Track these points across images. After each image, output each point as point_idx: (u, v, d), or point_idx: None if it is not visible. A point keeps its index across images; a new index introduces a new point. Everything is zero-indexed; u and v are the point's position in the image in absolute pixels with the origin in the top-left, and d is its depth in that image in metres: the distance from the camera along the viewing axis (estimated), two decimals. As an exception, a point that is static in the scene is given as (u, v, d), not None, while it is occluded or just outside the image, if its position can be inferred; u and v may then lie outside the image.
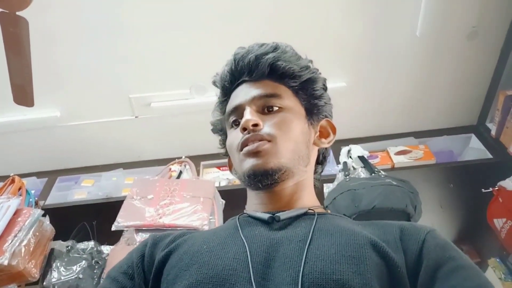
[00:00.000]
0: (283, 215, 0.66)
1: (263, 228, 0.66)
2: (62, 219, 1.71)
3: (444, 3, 1.77)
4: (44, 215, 1.57)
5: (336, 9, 1.79)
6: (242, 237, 0.64)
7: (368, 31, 1.86)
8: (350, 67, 1.96)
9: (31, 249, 1.45)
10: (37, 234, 1.50)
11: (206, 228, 1.46)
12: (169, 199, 1.56)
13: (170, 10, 1.72)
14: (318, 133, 0.77)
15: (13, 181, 1.70)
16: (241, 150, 0.69)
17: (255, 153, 0.66)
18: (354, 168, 1.65)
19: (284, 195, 0.70)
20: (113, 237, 1.62)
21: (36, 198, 1.79)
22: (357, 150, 1.72)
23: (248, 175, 0.67)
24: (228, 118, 0.75)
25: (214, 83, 0.81)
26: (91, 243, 1.66)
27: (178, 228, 1.46)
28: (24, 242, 1.42)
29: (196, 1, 1.72)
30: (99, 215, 1.84)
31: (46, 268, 1.57)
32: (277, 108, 0.71)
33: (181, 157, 1.91)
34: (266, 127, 0.68)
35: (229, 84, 0.77)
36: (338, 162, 1.76)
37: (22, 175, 1.79)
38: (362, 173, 1.60)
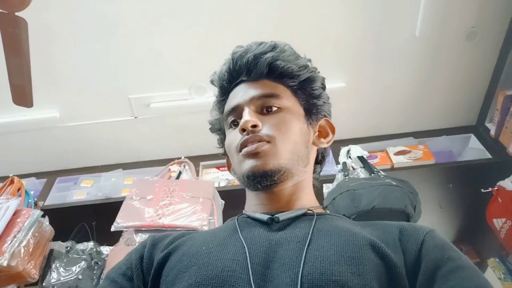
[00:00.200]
0: (282, 216, 0.66)
1: (262, 229, 0.66)
2: (62, 219, 1.70)
3: (443, 3, 1.77)
4: (43, 216, 1.57)
5: (336, 9, 1.79)
6: (241, 238, 0.64)
7: (367, 31, 1.86)
8: (349, 67, 1.96)
9: (31, 250, 1.45)
10: (37, 234, 1.50)
11: (205, 228, 1.45)
12: (169, 199, 1.56)
13: (169, 11, 1.73)
14: (317, 133, 0.77)
15: (12, 181, 1.69)
16: (240, 151, 0.68)
17: (254, 154, 0.66)
18: (353, 168, 1.65)
19: (283, 196, 0.70)
20: (113, 238, 1.62)
21: (36, 199, 1.78)
22: (357, 150, 1.72)
23: (247, 176, 0.67)
24: (226, 118, 0.75)
25: (212, 82, 0.81)
26: (91, 244, 1.66)
27: (178, 229, 1.46)
28: (24, 243, 1.42)
29: (196, 1, 1.72)
30: (98, 215, 1.84)
31: (45, 269, 1.56)
32: (276, 108, 0.71)
33: (180, 158, 1.91)
34: (265, 128, 0.68)
35: (227, 83, 0.77)
36: (337, 162, 1.76)
37: (21, 176, 1.79)
38: (362, 173, 1.59)
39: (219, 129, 0.82)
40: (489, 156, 1.98)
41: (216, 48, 1.77)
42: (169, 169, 1.84)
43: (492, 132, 1.95)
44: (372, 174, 1.54)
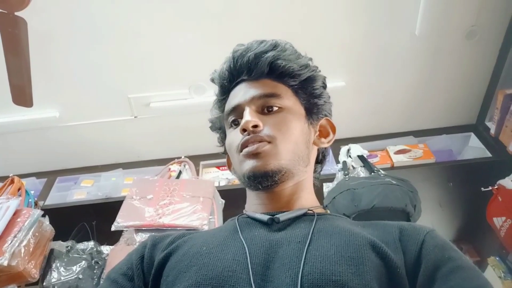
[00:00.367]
0: (282, 217, 0.66)
1: (262, 229, 0.66)
2: (62, 219, 1.70)
3: (443, 2, 1.77)
4: (43, 216, 1.57)
5: (335, 8, 1.79)
6: (242, 238, 0.64)
7: (367, 30, 1.86)
8: (349, 67, 1.96)
9: (31, 249, 1.45)
10: (37, 234, 1.50)
11: (205, 228, 1.46)
12: (169, 199, 1.56)
13: (168, 10, 1.72)
14: (317, 133, 0.77)
15: (12, 181, 1.69)
16: (241, 151, 0.68)
17: (255, 155, 0.66)
18: (353, 168, 1.65)
19: (283, 196, 0.70)
20: (113, 237, 1.62)
21: (36, 199, 1.79)
22: (357, 149, 1.72)
23: (248, 176, 0.67)
24: (227, 117, 0.75)
25: (212, 80, 0.81)
26: (91, 243, 1.66)
27: (178, 228, 1.46)
28: (24, 243, 1.42)
29: (195, 1, 1.72)
30: (98, 215, 1.84)
31: (46, 269, 1.56)
32: (276, 108, 0.71)
33: (180, 157, 1.91)
34: (266, 128, 0.68)
35: (227, 82, 0.76)
36: (337, 162, 1.76)
37: (22, 176, 1.79)
38: (362, 172, 1.60)
39: (219, 128, 0.82)
40: (489, 155, 1.98)
41: (215, 47, 1.77)
42: (169, 169, 1.84)
43: (492, 131, 1.95)
44: (372, 173, 1.54)
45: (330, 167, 1.93)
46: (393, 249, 0.60)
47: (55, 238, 1.63)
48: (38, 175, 2.16)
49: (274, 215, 0.67)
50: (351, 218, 1.35)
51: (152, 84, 1.96)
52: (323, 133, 0.78)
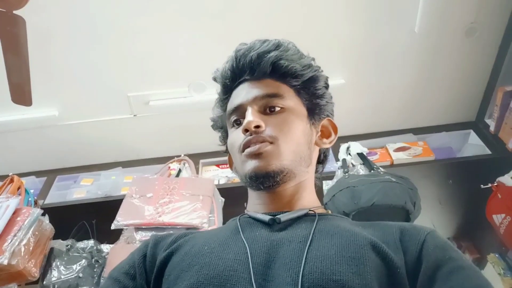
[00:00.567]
0: (283, 217, 0.66)
1: (263, 229, 0.66)
2: (62, 218, 1.71)
3: (442, -1, 1.77)
4: (43, 214, 1.57)
5: (335, 5, 1.78)
6: (243, 238, 0.64)
7: (366, 27, 1.86)
8: (348, 64, 1.96)
9: (31, 248, 1.45)
10: (37, 233, 1.50)
11: (205, 226, 1.46)
12: (169, 197, 1.56)
13: (168, 9, 1.72)
14: (319, 133, 0.77)
15: (12, 180, 1.69)
16: (243, 151, 0.68)
17: (257, 155, 0.66)
18: (353, 165, 1.66)
19: (285, 196, 0.70)
20: (113, 236, 1.62)
21: (35, 198, 1.79)
22: (356, 147, 1.72)
23: (249, 176, 0.67)
24: (229, 117, 0.75)
25: (214, 79, 0.80)
26: (91, 242, 1.66)
27: (178, 226, 1.46)
28: (24, 242, 1.42)
29: (194, -2, 1.72)
30: (98, 214, 1.84)
31: (46, 267, 1.57)
32: (279, 108, 0.71)
33: (180, 156, 1.91)
34: (268, 129, 0.68)
35: (230, 82, 0.76)
36: (337, 159, 1.76)
37: (21, 175, 1.79)
38: (361, 170, 1.60)
39: (221, 127, 0.82)
40: (489, 152, 1.98)
41: (215, 45, 1.78)
42: (169, 167, 1.84)
43: (492, 128, 1.95)
44: (372, 171, 1.55)
45: (329, 165, 1.93)
46: (394, 249, 0.60)
47: (55, 237, 1.63)
48: (37, 174, 2.15)
49: (275, 215, 0.67)
50: (350, 215, 1.36)
51: (152, 82, 1.96)
52: (325, 134, 0.78)
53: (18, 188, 1.67)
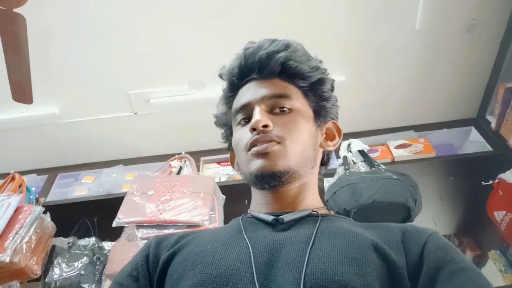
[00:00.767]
0: (286, 218, 0.67)
1: (266, 229, 0.67)
2: (63, 216, 1.71)
3: (443, -5, 1.76)
4: (45, 212, 1.58)
5: (336, 1, 1.78)
6: (246, 238, 0.65)
7: (367, 24, 1.85)
8: (349, 61, 1.96)
9: (33, 246, 1.46)
10: (38, 231, 1.50)
11: (206, 223, 1.46)
12: (170, 195, 1.56)
13: (169, 6, 1.72)
14: (324, 135, 0.77)
15: (13, 178, 1.70)
16: (249, 149, 0.68)
17: (263, 154, 0.66)
18: (354, 162, 1.65)
19: (288, 196, 0.71)
20: (114, 234, 1.63)
21: (37, 195, 1.79)
22: (357, 144, 1.72)
23: (255, 175, 0.67)
24: (235, 115, 0.75)
25: (220, 75, 0.80)
26: (92, 240, 1.67)
27: (179, 224, 1.47)
28: (26, 239, 1.43)
29: (194, -4, 1.71)
30: (99, 211, 1.84)
31: (47, 265, 1.57)
32: (286, 109, 0.71)
33: (181, 153, 1.91)
34: (276, 129, 0.68)
35: (237, 79, 0.76)
36: (338, 157, 1.76)
37: (22, 173, 1.80)
38: (362, 167, 1.60)
39: (225, 124, 0.82)
40: (490, 148, 1.98)
41: (215, 43, 1.78)
42: (170, 165, 1.84)
43: (493, 125, 1.94)
44: (373, 168, 1.55)
45: (330, 162, 1.93)
46: (395, 250, 0.60)
47: (56, 235, 1.64)
48: (39, 172, 2.16)
49: (278, 215, 0.67)
50: (351, 212, 1.36)
51: (152, 80, 1.96)
52: (329, 136, 0.79)
53: (20, 186, 1.67)
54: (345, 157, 1.68)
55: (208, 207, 1.52)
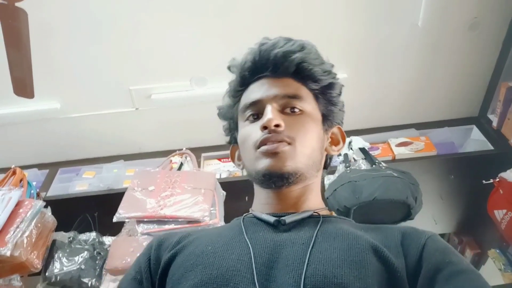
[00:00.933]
0: (288, 219, 0.67)
1: (267, 230, 0.67)
2: (64, 210, 1.72)
3: (446, -7, 1.75)
4: (45, 207, 1.58)
5: (337, -1, 1.77)
6: (246, 239, 0.65)
7: (369, 21, 1.84)
8: (351, 58, 1.95)
9: (33, 240, 1.46)
10: (39, 225, 1.51)
11: (207, 219, 1.46)
12: (170, 190, 1.57)
13: (170, 3, 1.71)
14: (330, 140, 0.78)
15: (14, 172, 1.70)
16: (259, 147, 0.68)
17: (273, 154, 0.66)
18: (355, 160, 1.65)
19: (292, 197, 0.71)
20: (115, 229, 1.63)
21: (38, 190, 1.79)
22: (358, 141, 1.72)
23: (263, 174, 0.67)
24: (244, 110, 0.74)
25: (230, 68, 0.79)
26: (93, 234, 1.67)
27: (180, 220, 1.47)
28: (26, 233, 1.43)
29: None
30: (100, 206, 1.85)
31: (48, 259, 1.58)
32: (297, 110, 0.71)
33: (182, 149, 1.91)
34: (287, 129, 0.68)
35: (249, 74, 0.75)
36: (339, 154, 1.76)
37: (23, 167, 1.80)
38: (363, 164, 1.60)
39: (230, 118, 0.81)
40: (491, 147, 1.98)
41: (216, 40, 1.78)
42: (171, 161, 1.84)
43: (494, 124, 1.94)
44: (374, 166, 1.55)
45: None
46: (395, 253, 0.61)
47: (57, 229, 1.64)
48: (40, 166, 2.16)
49: (280, 216, 0.68)
50: (352, 210, 1.36)
51: (153, 76, 1.96)
52: (334, 141, 0.80)
53: (21, 181, 1.68)
54: (346, 155, 1.68)
55: (208, 203, 1.52)
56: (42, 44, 1.67)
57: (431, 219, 2.11)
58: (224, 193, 1.68)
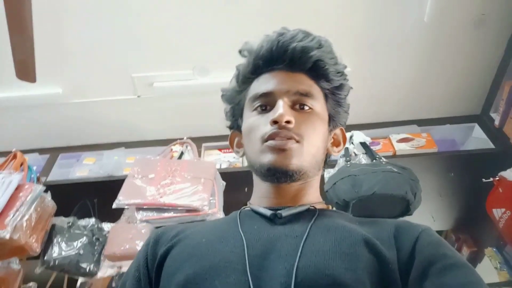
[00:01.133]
0: (284, 212, 0.67)
1: (263, 223, 0.67)
2: (64, 195, 1.72)
3: (453, -11, 1.74)
4: (45, 191, 1.59)
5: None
6: (241, 231, 0.66)
7: (375, 16, 1.83)
8: (355, 52, 1.94)
9: (33, 224, 1.47)
10: (39, 209, 1.52)
11: (206, 208, 1.47)
12: (170, 179, 1.57)
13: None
14: (332, 140, 0.78)
15: (15, 156, 1.71)
16: (266, 141, 0.68)
17: (281, 150, 0.66)
18: (355, 154, 1.65)
19: (291, 192, 0.71)
20: (114, 215, 1.64)
21: (38, 174, 1.80)
22: (359, 136, 1.72)
23: (267, 168, 0.67)
24: (253, 100, 0.73)
25: (241, 51, 0.77)
26: (92, 220, 1.68)
27: (179, 208, 1.48)
28: (26, 217, 1.44)
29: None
30: (100, 193, 1.85)
31: (47, 243, 1.59)
32: (308, 108, 0.71)
33: (182, 138, 1.91)
34: (296, 126, 0.68)
35: (263, 63, 0.74)
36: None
37: (24, 151, 1.80)
38: (364, 159, 1.60)
39: (236, 103, 0.80)
40: (492, 146, 1.97)
41: (220, 28, 1.77)
42: (171, 149, 1.85)
43: (497, 122, 1.94)
44: (374, 161, 1.54)
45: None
46: (387, 246, 0.61)
47: (56, 214, 1.65)
48: (40, 151, 2.16)
49: (277, 210, 0.68)
50: (351, 203, 1.36)
51: (156, 64, 1.95)
52: (335, 142, 0.80)
53: (21, 164, 1.68)
54: (346, 149, 1.68)
55: (208, 193, 1.53)
56: (46, 29, 1.66)
57: (429, 216, 2.12)
58: (224, 183, 1.68)
